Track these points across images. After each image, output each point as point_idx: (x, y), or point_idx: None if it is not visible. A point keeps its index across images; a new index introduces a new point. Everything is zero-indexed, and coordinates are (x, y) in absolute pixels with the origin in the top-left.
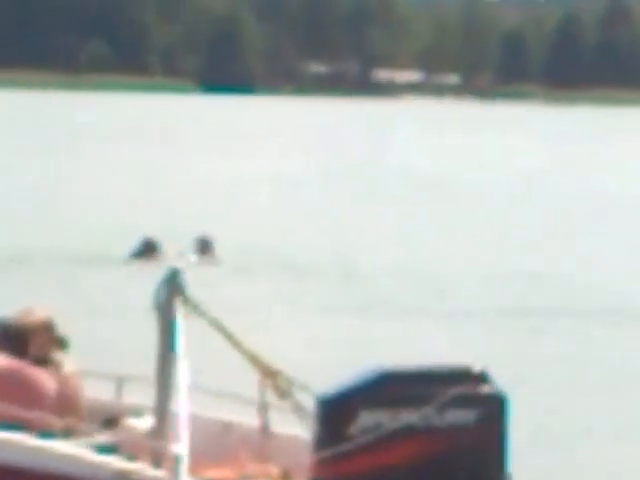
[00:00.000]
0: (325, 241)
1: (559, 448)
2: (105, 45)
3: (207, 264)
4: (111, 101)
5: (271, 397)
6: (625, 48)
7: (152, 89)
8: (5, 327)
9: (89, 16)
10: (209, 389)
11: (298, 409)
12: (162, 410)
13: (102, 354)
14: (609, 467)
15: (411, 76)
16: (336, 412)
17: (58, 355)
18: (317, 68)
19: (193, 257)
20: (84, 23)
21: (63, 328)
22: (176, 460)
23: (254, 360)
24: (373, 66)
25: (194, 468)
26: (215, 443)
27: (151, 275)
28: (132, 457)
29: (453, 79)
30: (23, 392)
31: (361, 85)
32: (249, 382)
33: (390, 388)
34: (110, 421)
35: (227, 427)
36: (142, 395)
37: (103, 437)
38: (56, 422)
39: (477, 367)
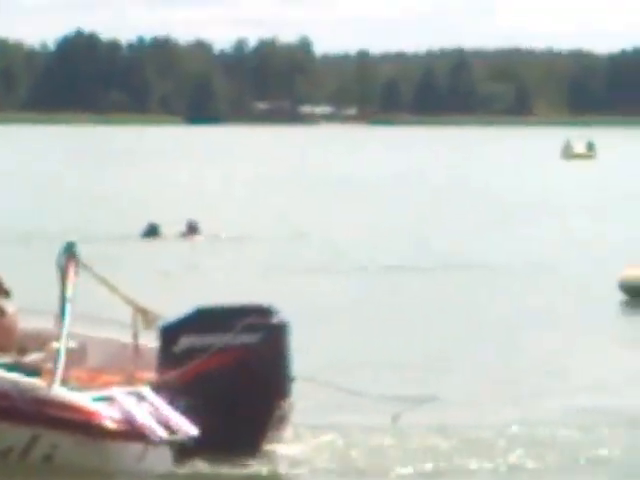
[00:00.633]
0: (272, 217)
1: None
2: (122, 93)
3: (194, 241)
4: (126, 132)
5: (140, 325)
6: (465, 88)
7: (154, 122)
8: None
9: (111, 73)
10: (109, 319)
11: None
12: (61, 336)
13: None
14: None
15: (325, 110)
16: (165, 337)
17: (2, 301)
18: (263, 106)
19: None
20: (108, 78)
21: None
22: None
23: (129, 301)
24: (299, 103)
25: (94, 377)
26: (115, 357)
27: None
28: (36, 372)
29: (352, 111)
30: None
31: (292, 117)
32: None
33: (202, 320)
34: (23, 349)
35: (124, 346)
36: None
37: (8, 358)
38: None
39: (265, 304)
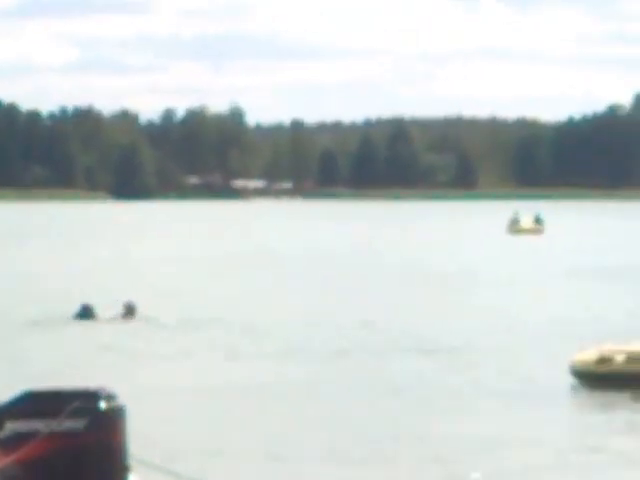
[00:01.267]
0: (206, 297)
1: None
2: (45, 168)
3: (132, 322)
4: (49, 208)
5: None
6: (405, 160)
7: (78, 198)
8: None
9: (33, 148)
10: None
11: None
12: None
13: None
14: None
15: (258, 184)
16: None
17: None
18: (193, 180)
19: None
20: (29, 153)
21: None
22: None
23: None
24: (232, 177)
25: None
26: None
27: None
28: None
29: (287, 185)
30: None
31: (224, 191)
32: None
33: (29, 404)
34: None
35: None
36: None
37: None
38: None
39: (93, 388)
